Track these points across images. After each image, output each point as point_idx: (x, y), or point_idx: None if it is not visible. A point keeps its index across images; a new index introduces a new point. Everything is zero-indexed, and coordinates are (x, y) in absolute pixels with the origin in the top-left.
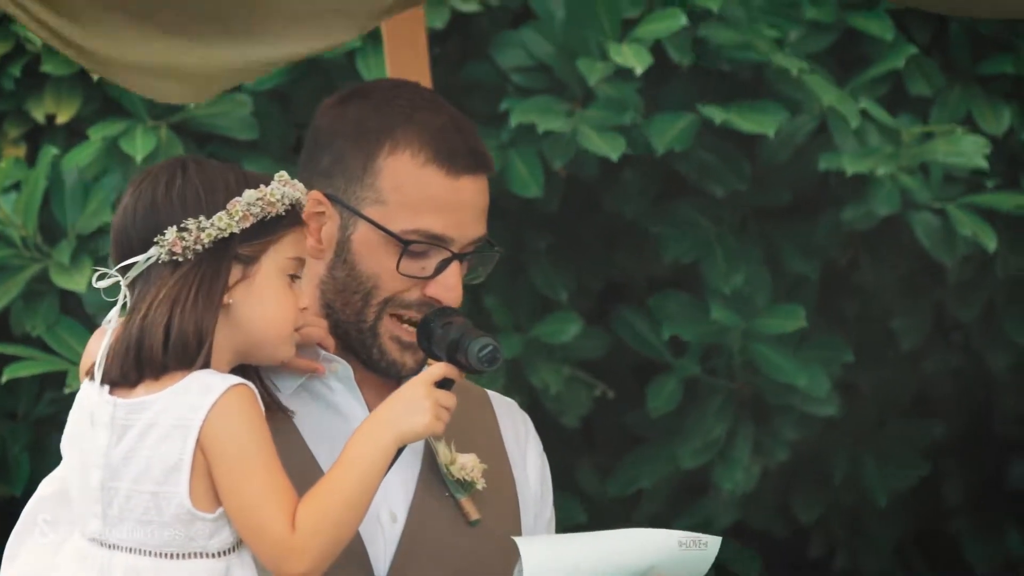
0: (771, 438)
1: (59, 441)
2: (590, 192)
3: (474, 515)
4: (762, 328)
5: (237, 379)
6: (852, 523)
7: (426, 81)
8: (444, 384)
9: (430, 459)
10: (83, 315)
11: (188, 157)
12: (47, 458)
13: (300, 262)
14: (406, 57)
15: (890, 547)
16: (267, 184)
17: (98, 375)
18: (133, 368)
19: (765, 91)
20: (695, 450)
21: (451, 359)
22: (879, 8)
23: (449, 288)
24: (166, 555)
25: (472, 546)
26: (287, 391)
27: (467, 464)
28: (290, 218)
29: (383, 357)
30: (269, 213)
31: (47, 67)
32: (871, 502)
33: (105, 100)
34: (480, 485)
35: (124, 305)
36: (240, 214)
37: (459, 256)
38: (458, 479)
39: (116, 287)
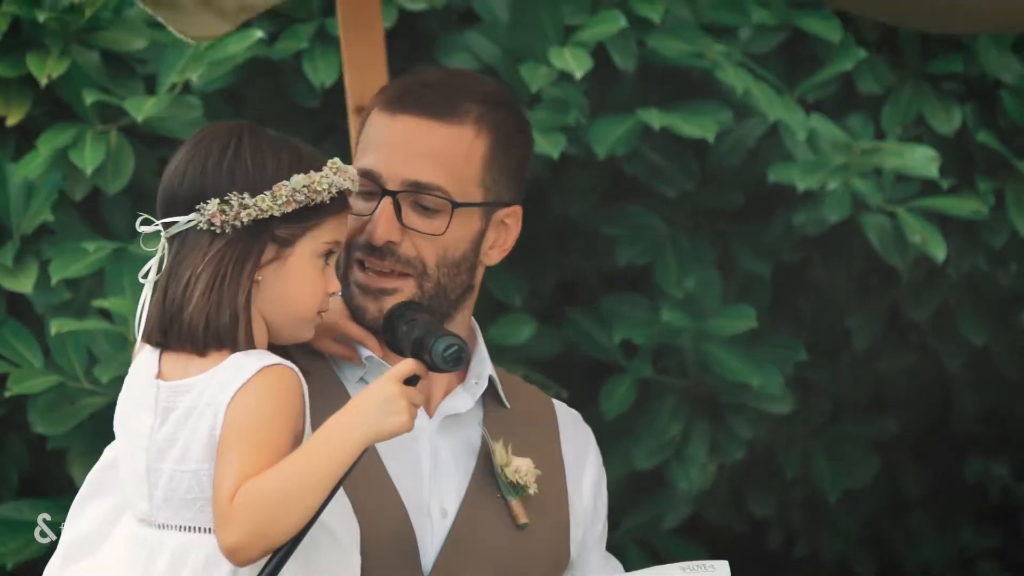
0: (727, 436)
1: None
2: (540, 192)
3: (522, 519)
4: (713, 330)
5: (275, 360)
6: (809, 517)
7: (381, 69)
8: (411, 381)
9: (486, 458)
10: (32, 316)
11: (247, 126)
12: None
13: (337, 245)
14: (361, 45)
15: (847, 541)
16: (319, 168)
17: (139, 332)
18: (176, 339)
19: (715, 92)
20: (650, 450)
21: (416, 356)
22: (826, 10)
23: (374, 223)
24: (214, 530)
25: (518, 549)
26: (351, 380)
27: (521, 467)
28: (335, 205)
29: (351, 302)
30: (313, 200)
31: None
32: (824, 499)
33: (55, 102)
34: (532, 490)
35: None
36: (283, 198)
37: (388, 193)
38: (511, 481)
39: (157, 237)
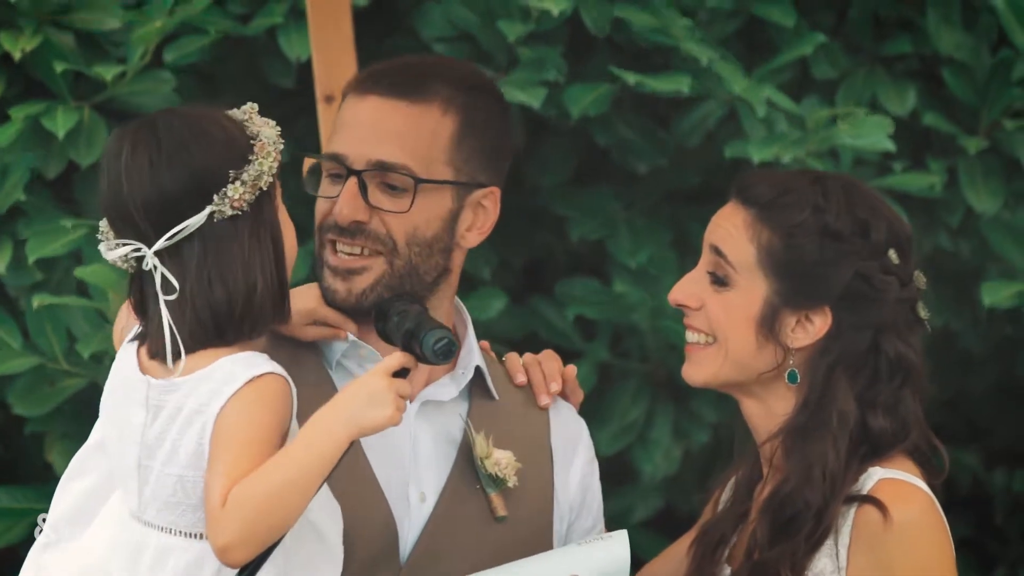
0: (691, 420)
1: None
2: (513, 168)
3: (501, 511)
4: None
5: (265, 368)
6: None
7: (350, 58)
8: (400, 373)
9: (467, 448)
10: (5, 298)
11: (160, 113)
12: None
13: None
14: (329, 34)
15: None
16: (253, 118)
17: (170, 353)
18: (247, 331)
19: (679, 69)
20: (613, 434)
21: (406, 348)
22: None
23: (339, 204)
24: (196, 535)
25: (495, 541)
26: (332, 358)
27: (502, 460)
28: None
29: (322, 283)
30: (279, 146)
31: None
32: None
33: (28, 81)
34: (511, 483)
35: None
36: (272, 155)
37: (353, 172)
38: (491, 474)
39: (136, 260)
